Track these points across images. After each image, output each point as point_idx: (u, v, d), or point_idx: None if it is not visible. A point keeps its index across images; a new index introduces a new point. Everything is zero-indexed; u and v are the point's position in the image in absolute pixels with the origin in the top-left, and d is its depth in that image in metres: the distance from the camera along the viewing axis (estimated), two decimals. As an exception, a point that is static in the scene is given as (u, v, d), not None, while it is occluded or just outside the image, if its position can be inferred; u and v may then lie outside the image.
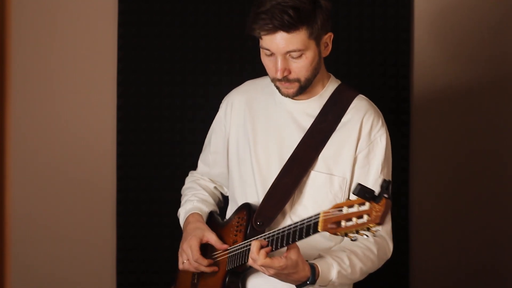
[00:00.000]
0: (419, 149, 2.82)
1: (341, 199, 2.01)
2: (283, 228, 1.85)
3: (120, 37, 2.77)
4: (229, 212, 2.16)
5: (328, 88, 2.06)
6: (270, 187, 2.01)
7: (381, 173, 2.03)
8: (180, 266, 2.07)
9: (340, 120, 2.02)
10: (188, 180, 2.30)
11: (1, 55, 2.77)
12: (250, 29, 1.94)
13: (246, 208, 2.03)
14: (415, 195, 2.82)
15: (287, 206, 2.01)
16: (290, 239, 1.82)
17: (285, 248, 1.84)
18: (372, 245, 1.99)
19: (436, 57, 2.81)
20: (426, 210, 2.83)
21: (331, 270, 1.89)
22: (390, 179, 2.06)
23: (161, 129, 2.79)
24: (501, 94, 2.84)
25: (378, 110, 2.07)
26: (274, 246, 1.85)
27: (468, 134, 2.83)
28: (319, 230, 1.73)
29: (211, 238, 2.04)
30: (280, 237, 1.85)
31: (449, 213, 2.84)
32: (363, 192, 1.60)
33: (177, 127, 2.80)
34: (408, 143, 2.80)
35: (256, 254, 1.81)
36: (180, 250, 2.08)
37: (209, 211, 2.18)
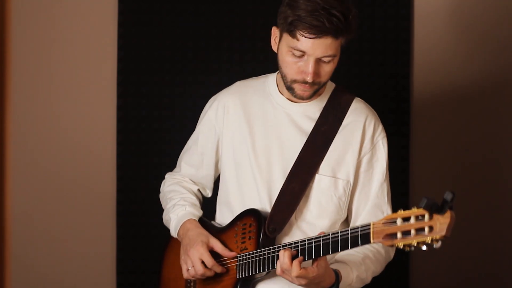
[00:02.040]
0: (419, 149, 2.82)
1: (344, 202, 2.02)
2: (314, 238, 1.82)
3: (120, 37, 2.77)
4: (220, 217, 2.12)
5: (327, 91, 2.06)
6: (280, 193, 1.99)
7: (385, 177, 2.05)
8: (185, 275, 2.01)
9: (341, 123, 2.02)
10: (169, 183, 2.21)
11: (1, 55, 2.77)
12: (289, 27, 1.87)
13: (254, 214, 1.99)
14: (415, 195, 2.82)
15: (296, 212, 2.00)
16: (330, 249, 1.79)
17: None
18: (381, 248, 2.01)
19: (436, 57, 2.81)
20: (426, 210, 2.83)
21: (350, 275, 1.92)
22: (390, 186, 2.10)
23: (161, 129, 2.79)
24: (501, 94, 2.83)
25: (375, 112, 2.08)
26: (306, 256, 1.82)
27: (468, 134, 2.83)
28: (372, 241, 1.70)
29: (217, 245, 1.99)
30: (314, 247, 1.81)
31: (449, 213, 2.84)
32: (429, 205, 1.58)
33: (177, 127, 2.80)
34: (408, 143, 2.80)
35: (289, 265, 1.80)
36: (183, 257, 2.01)
37: (200, 215, 2.12)
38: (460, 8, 2.80)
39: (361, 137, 2.01)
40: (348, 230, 1.76)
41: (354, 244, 1.74)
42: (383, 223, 1.67)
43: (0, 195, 2.80)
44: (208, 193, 2.22)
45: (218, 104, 2.13)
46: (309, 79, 1.90)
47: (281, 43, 1.93)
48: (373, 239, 1.70)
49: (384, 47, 2.79)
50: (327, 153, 2.00)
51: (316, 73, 1.90)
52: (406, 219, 1.64)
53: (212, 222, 2.15)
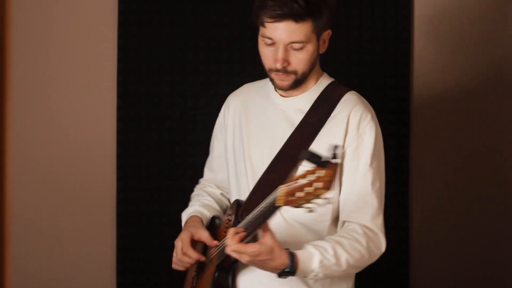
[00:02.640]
0: (419, 149, 2.82)
1: (330, 193, 1.99)
2: (254, 212, 1.82)
3: (120, 37, 2.77)
4: None
5: (320, 84, 2.06)
6: (257, 182, 2.01)
7: (370, 166, 1.97)
8: (173, 265, 2.08)
9: (329, 115, 2.01)
10: (197, 188, 2.31)
11: (1, 55, 2.77)
12: (256, 15, 1.92)
13: (235, 204, 2.03)
14: (415, 195, 2.82)
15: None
16: (260, 220, 1.78)
17: None
18: (360, 237, 1.92)
19: (436, 57, 2.81)
20: (426, 210, 2.83)
21: (312, 259, 1.83)
22: (383, 175, 2.01)
23: (161, 129, 2.79)
24: (501, 94, 2.84)
25: (369, 105, 2.04)
26: (248, 231, 1.81)
27: (468, 134, 2.83)
28: (277, 204, 1.69)
29: (203, 235, 2.03)
30: (252, 221, 1.82)
31: (449, 213, 2.84)
32: (309, 156, 1.58)
33: (177, 127, 2.80)
34: (408, 143, 2.80)
35: (231, 240, 1.79)
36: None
37: (211, 216, 2.17)
38: (460, 8, 2.80)
39: (346, 127, 1.98)
40: (268, 199, 1.76)
41: (271, 212, 1.74)
42: (288, 184, 1.66)
43: (0, 195, 2.80)
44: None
45: (224, 106, 2.20)
46: (278, 65, 1.92)
47: (258, 35, 1.98)
48: (276, 202, 1.69)
49: (384, 47, 2.79)
50: (312, 144, 1.98)
51: (286, 59, 1.92)
52: (304, 177, 1.62)
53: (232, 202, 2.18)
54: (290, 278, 1.86)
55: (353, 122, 1.99)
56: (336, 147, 1.60)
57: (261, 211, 1.79)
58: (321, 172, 1.58)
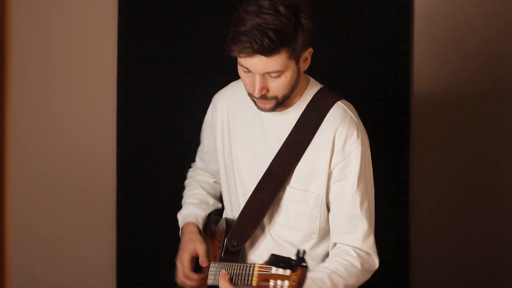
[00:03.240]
0: (419, 150, 2.82)
1: (318, 214, 1.98)
2: (237, 265, 1.85)
3: (120, 37, 2.77)
4: (224, 214, 2.17)
5: (306, 96, 2.00)
6: (245, 205, 1.99)
7: (357, 187, 1.95)
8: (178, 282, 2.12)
9: (316, 132, 1.97)
10: (189, 176, 2.32)
11: (1, 55, 2.77)
12: (229, 49, 1.86)
13: (225, 224, 2.03)
14: (415, 195, 2.82)
15: (265, 222, 2.00)
16: (238, 282, 1.82)
17: None
18: (354, 260, 1.94)
19: (436, 57, 2.81)
20: (426, 210, 2.83)
21: None
22: (372, 193, 2.01)
23: (161, 129, 2.79)
24: (501, 94, 2.83)
25: (355, 119, 1.99)
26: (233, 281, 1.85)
27: (468, 134, 2.83)
28: (254, 284, 1.70)
29: (200, 252, 2.05)
30: (234, 275, 1.85)
31: (449, 213, 2.84)
32: (277, 262, 1.62)
33: (177, 127, 2.80)
34: (408, 143, 2.80)
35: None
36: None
37: (206, 215, 2.17)
38: (460, 8, 2.80)
39: (332, 148, 1.95)
40: (244, 270, 1.79)
41: (247, 282, 1.76)
42: (261, 267, 1.68)
43: (0, 195, 2.80)
44: None
45: (213, 104, 2.19)
46: (256, 94, 1.88)
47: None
48: (255, 282, 1.69)
49: (384, 47, 2.79)
50: (298, 165, 1.96)
51: (264, 87, 1.88)
52: (278, 268, 1.65)
53: (223, 218, 2.18)
54: None
55: (339, 143, 1.95)
56: (303, 251, 1.61)
57: (239, 274, 1.82)
58: (291, 275, 1.62)
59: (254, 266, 1.70)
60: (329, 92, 2.02)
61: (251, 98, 1.95)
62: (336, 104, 1.99)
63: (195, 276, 2.05)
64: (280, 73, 1.86)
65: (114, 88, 2.79)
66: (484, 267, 2.85)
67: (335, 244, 1.98)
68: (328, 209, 2.00)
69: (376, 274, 2.67)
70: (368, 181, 1.99)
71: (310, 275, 1.87)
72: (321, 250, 2.03)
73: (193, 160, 2.39)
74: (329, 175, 1.96)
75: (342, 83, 2.72)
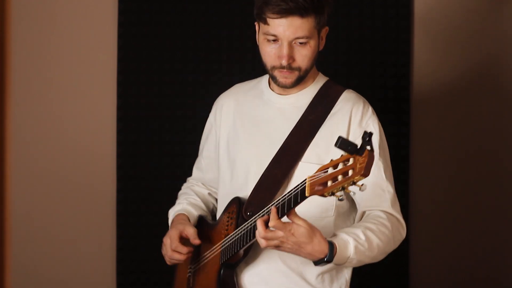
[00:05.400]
0: (419, 150, 2.82)
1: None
2: (276, 201, 1.80)
3: (120, 37, 2.77)
4: (219, 213, 2.15)
5: (318, 82, 2.06)
6: (260, 178, 2.00)
7: (380, 156, 1.99)
8: (168, 262, 2.09)
9: (329, 112, 2.01)
10: (184, 187, 2.32)
11: (1, 55, 2.77)
12: (259, 11, 1.91)
13: (235, 202, 2.02)
14: (415, 195, 2.82)
15: (277, 197, 1.98)
16: (285, 210, 1.76)
17: None
18: (386, 221, 1.93)
19: (436, 57, 2.81)
20: (426, 210, 2.83)
21: (347, 246, 1.82)
22: (390, 165, 2.04)
23: (161, 129, 2.79)
24: (501, 94, 2.83)
25: (367, 101, 2.06)
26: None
27: (468, 134, 2.83)
28: (307, 195, 1.68)
29: (189, 232, 2.04)
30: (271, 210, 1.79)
31: (449, 213, 2.84)
32: (344, 144, 1.58)
33: (177, 127, 2.80)
34: (408, 143, 2.80)
35: (261, 227, 1.76)
36: (162, 245, 2.09)
37: (198, 215, 2.18)
38: (459, 8, 2.80)
39: (348, 124, 1.99)
40: (293, 189, 1.75)
41: (296, 202, 1.72)
42: (316, 174, 1.66)
43: (0, 195, 2.80)
44: None
45: (216, 107, 2.19)
46: (284, 62, 1.92)
47: (258, 34, 1.97)
48: (308, 192, 1.68)
49: (384, 47, 2.79)
50: (313, 141, 1.99)
51: (291, 56, 1.92)
52: (336, 166, 1.63)
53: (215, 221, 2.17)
54: (290, 273, 1.92)
55: (356, 118, 2.00)
56: (370, 134, 1.58)
57: (286, 200, 1.76)
58: (357, 159, 1.58)
59: (305, 180, 1.69)
60: (335, 83, 2.09)
61: (272, 74, 1.98)
62: (347, 90, 2.07)
63: (183, 248, 2.02)
64: (307, 39, 1.91)
65: (114, 88, 2.79)
66: (484, 267, 2.85)
67: (363, 212, 1.98)
68: None
69: (376, 274, 2.68)
70: (386, 154, 2.03)
71: (344, 229, 1.89)
72: (339, 226, 2.02)
73: (193, 159, 2.39)
74: None
75: (342, 83, 2.72)
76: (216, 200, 2.24)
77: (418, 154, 2.82)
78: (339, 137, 1.58)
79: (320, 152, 1.98)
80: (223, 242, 2.00)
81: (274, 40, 1.92)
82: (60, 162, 2.80)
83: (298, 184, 1.74)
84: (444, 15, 2.80)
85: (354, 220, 2.05)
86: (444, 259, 2.84)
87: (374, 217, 1.94)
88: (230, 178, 2.10)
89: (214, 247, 2.04)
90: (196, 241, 2.03)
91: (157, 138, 2.79)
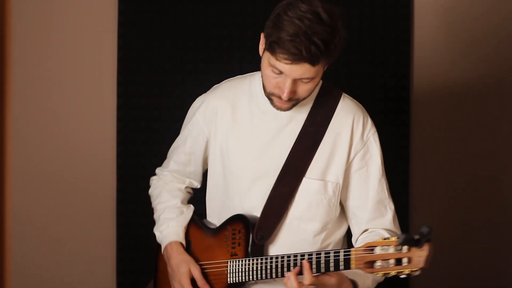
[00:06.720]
0: (419, 150, 2.82)
1: (334, 203, 2.00)
2: (307, 253, 1.85)
3: (120, 37, 2.77)
4: (212, 214, 2.13)
5: (314, 91, 2.01)
6: (268, 198, 1.98)
7: (382, 172, 2.02)
8: None
9: (329, 122, 2.00)
10: (156, 184, 2.24)
11: (1, 55, 2.77)
12: (270, 45, 1.84)
13: (242, 220, 2.00)
14: (415, 195, 2.82)
15: (284, 216, 1.99)
16: (321, 269, 1.82)
17: None
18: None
19: (436, 57, 2.81)
20: (426, 210, 2.83)
21: (366, 281, 1.94)
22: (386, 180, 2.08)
23: (161, 129, 2.79)
24: (501, 94, 2.84)
25: (364, 109, 2.05)
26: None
27: (468, 134, 2.83)
28: (352, 267, 1.77)
29: (196, 275, 2.01)
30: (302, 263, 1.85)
31: (449, 213, 2.84)
32: (407, 241, 1.66)
33: (177, 127, 2.79)
34: (408, 143, 2.80)
35: (308, 274, 1.82)
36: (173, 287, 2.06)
37: (185, 226, 2.11)
38: (460, 8, 2.80)
39: (350, 137, 1.99)
40: (331, 254, 1.81)
41: (336, 268, 1.80)
42: (363, 249, 1.75)
43: (0, 195, 2.81)
44: (197, 185, 2.22)
45: (206, 107, 2.10)
46: (284, 97, 1.87)
47: (264, 54, 1.90)
48: (354, 266, 1.77)
49: (384, 47, 2.79)
50: (315, 156, 1.98)
51: (293, 91, 1.88)
52: (384, 248, 1.72)
53: (204, 220, 2.15)
54: None
55: (357, 131, 2.00)
56: (431, 230, 1.65)
57: (318, 258, 1.83)
58: (415, 251, 1.69)
59: (350, 252, 1.78)
60: (330, 85, 2.06)
61: (268, 96, 1.94)
62: (343, 96, 2.04)
63: None
64: (312, 79, 1.88)
65: (114, 88, 2.79)
66: (484, 267, 2.85)
67: (366, 229, 2.03)
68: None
69: (376, 274, 2.66)
70: (384, 168, 2.05)
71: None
72: (336, 235, 2.06)
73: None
74: (350, 164, 2.00)
75: (342, 83, 2.72)
76: (193, 190, 2.22)
77: (418, 154, 2.82)
78: (402, 234, 1.66)
79: (323, 167, 1.99)
80: (231, 262, 1.99)
81: (279, 73, 1.87)
82: (60, 162, 2.80)
83: (338, 251, 1.80)
84: (444, 15, 2.80)
85: (346, 227, 2.08)
86: (444, 259, 2.84)
87: (377, 235, 1.99)
88: (225, 189, 2.06)
89: (217, 262, 2.02)
90: (205, 286, 2.01)
91: (157, 138, 2.79)
